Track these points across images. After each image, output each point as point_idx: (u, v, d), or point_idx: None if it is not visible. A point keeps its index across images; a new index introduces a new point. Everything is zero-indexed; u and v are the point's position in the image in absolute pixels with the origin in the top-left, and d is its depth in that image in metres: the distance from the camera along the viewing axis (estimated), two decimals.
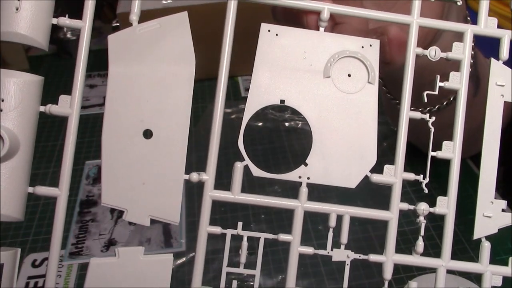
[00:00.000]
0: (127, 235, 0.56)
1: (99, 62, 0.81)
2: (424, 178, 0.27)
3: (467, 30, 0.28)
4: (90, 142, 0.72)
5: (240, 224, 0.26)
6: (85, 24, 0.25)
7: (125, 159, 0.24)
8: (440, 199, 0.27)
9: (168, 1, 0.69)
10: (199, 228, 0.26)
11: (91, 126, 0.75)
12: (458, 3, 0.28)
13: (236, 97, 0.78)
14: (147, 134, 0.24)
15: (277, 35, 0.27)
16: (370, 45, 0.28)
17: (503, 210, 0.27)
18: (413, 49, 0.27)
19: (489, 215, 0.27)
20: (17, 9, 0.24)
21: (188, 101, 0.25)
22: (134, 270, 0.24)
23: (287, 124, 0.64)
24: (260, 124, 0.64)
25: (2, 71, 0.24)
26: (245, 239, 0.26)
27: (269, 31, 0.27)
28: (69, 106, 0.25)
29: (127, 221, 0.24)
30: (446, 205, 0.27)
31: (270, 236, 0.26)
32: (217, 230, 0.26)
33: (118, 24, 0.78)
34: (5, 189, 0.24)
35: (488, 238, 0.27)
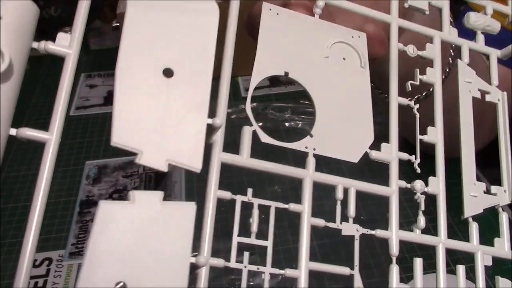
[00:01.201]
0: None
1: (99, 62, 0.77)
2: (416, 159, 0.28)
3: (435, 35, 0.31)
4: (90, 143, 0.69)
5: (250, 190, 0.24)
6: None
7: (141, 95, 0.21)
8: (431, 179, 0.28)
9: None
10: (207, 193, 0.23)
11: (91, 126, 0.73)
12: (426, 13, 0.31)
13: (236, 97, 0.76)
14: (167, 72, 0.22)
15: (277, 14, 0.28)
16: (359, 36, 0.29)
17: (485, 192, 0.29)
18: (395, 45, 0.29)
19: (475, 195, 0.28)
20: None
21: (212, 46, 0.23)
22: (152, 217, 0.20)
23: (287, 124, 0.61)
24: (260, 124, 0.60)
25: None
26: (255, 206, 0.24)
27: (270, 9, 0.28)
28: (68, 46, 0.22)
29: (140, 164, 0.21)
30: (437, 185, 0.28)
31: (281, 205, 0.24)
32: (227, 194, 0.23)
33: (118, 24, 0.74)
34: None
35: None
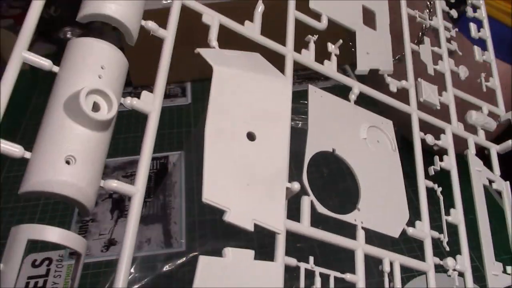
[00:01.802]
0: None
1: None
2: (444, 237, 0.30)
3: (447, 127, 0.34)
4: None
5: (311, 258, 0.24)
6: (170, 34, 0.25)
7: (229, 157, 0.22)
8: (459, 257, 0.29)
9: (168, 1, 0.64)
10: (276, 260, 0.23)
11: None
12: (437, 107, 0.35)
13: None
14: (251, 136, 0.23)
15: (321, 97, 0.30)
16: (387, 123, 0.32)
17: (503, 272, 0.31)
18: (417, 133, 0.32)
19: (497, 274, 0.30)
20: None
21: (287, 114, 0.25)
22: (245, 273, 0.20)
23: None
24: None
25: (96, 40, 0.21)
26: (317, 273, 0.24)
27: (315, 92, 0.30)
28: (151, 103, 0.23)
29: (228, 221, 0.21)
30: (463, 263, 0.29)
31: (338, 275, 0.25)
32: (293, 262, 0.23)
33: None
34: (91, 164, 0.19)
35: None
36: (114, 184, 0.20)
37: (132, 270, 0.47)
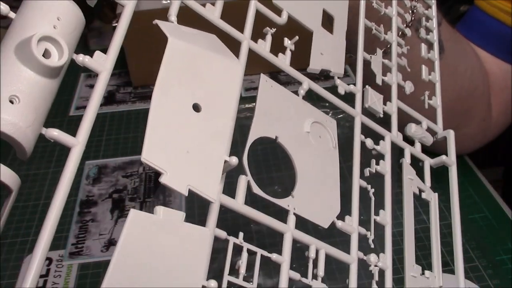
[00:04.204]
0: None
1: None
2: (370, 235, 0.31)
3: (386, 135, 0.36)
4: (90, 142, 0.65)
5: (241, 234, 0.25)
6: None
7: (172, 123, 0.22)
8: (382, 255, 0.31)
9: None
10: (207, 229, 0.24)
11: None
12: (380, 115, 0.36)
13: None
14: (196, 108, 0.24)
15: (271, 86, 0.31)
16: (331, 122, 0.33)
17: (421, 274, 0.32)
18: (358, 136, 0.34)
19: (415, 275, 0.32)
20: None
21: (235, 93, 0.25)
22: (173, 232, 0.20)
23: None
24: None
25: None
26: (245, 249, 0.25)
27: (266, 81, 0.31)
28: (103, 64, 0.23)
29: (164, 183, 0.21)
30: (386, 262, 0.31)
31: (265, 253, 0.26)
32: (223, 234, 0.24)
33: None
34: (34, 108, 0.19)
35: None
36: (55, 133, 0.21)
37: None
